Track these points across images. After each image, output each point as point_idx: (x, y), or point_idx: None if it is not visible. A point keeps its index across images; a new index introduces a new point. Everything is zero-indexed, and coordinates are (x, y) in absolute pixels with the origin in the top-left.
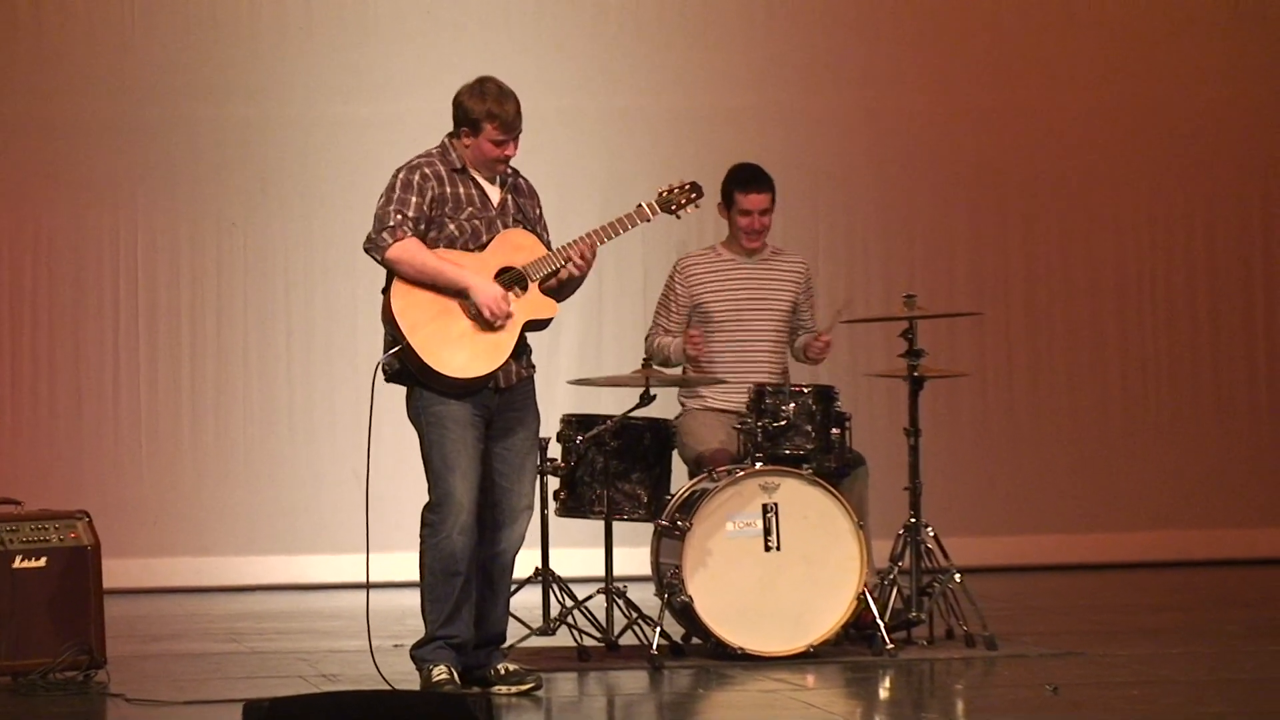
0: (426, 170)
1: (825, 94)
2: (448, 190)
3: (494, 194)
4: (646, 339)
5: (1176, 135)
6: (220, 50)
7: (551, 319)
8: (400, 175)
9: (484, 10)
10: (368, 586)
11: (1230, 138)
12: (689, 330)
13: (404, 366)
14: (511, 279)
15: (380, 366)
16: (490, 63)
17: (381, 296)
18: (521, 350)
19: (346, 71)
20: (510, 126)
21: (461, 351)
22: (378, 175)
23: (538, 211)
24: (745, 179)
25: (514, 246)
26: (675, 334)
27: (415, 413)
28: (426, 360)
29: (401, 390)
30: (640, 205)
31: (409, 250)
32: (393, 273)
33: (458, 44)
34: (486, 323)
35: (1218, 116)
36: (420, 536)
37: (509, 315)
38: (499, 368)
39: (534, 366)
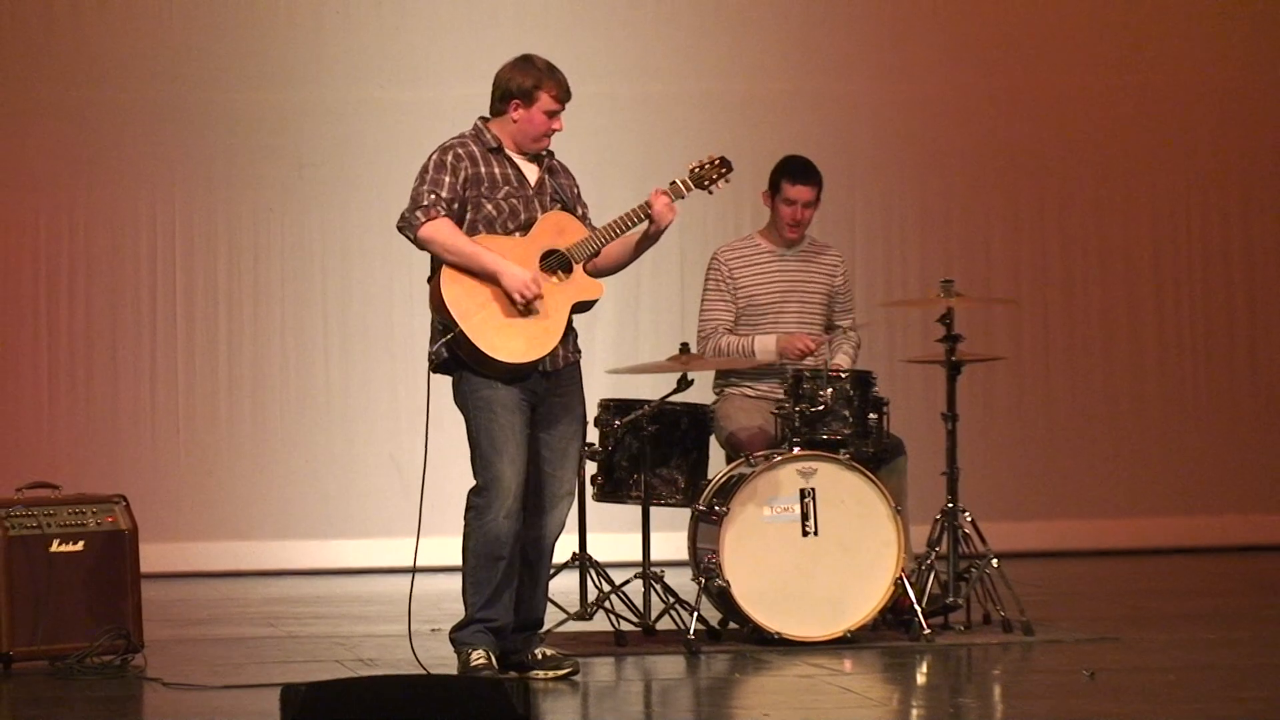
0: (460, 150)
1: (860, 80)
2: (482, 170)
3: (531, 174)
4: (706, 339)
5: (1213, 118)
6: (257, 36)
7: (597, 300)
8: (434, 156)
9: None
10: (414, 570)
11: (1267, 120)
12: (807, 335)
13: (452, 354)
14: (556, 262)
15: (431, 355)
16: (525, 47)
17: (428, 285)
18: (568, 334)
19: (383, 56)
20: (565, 94)
21: (513, 336)
22: (414, 160)
23: (576, 191)
24: (795, 170)
25: (557, 229)
26: (732, 325)
27: (463, 397)
28: (480, 346)
29: (438, 375)
30: (674, 182)
31: (441, 231)
32: (428, 253)
33: (493, 29)
34: (526, 306)
35: (1254, 99)
36: (465, 519)
37: (539, 296)
38: (550, 352)
39: (580, 351)
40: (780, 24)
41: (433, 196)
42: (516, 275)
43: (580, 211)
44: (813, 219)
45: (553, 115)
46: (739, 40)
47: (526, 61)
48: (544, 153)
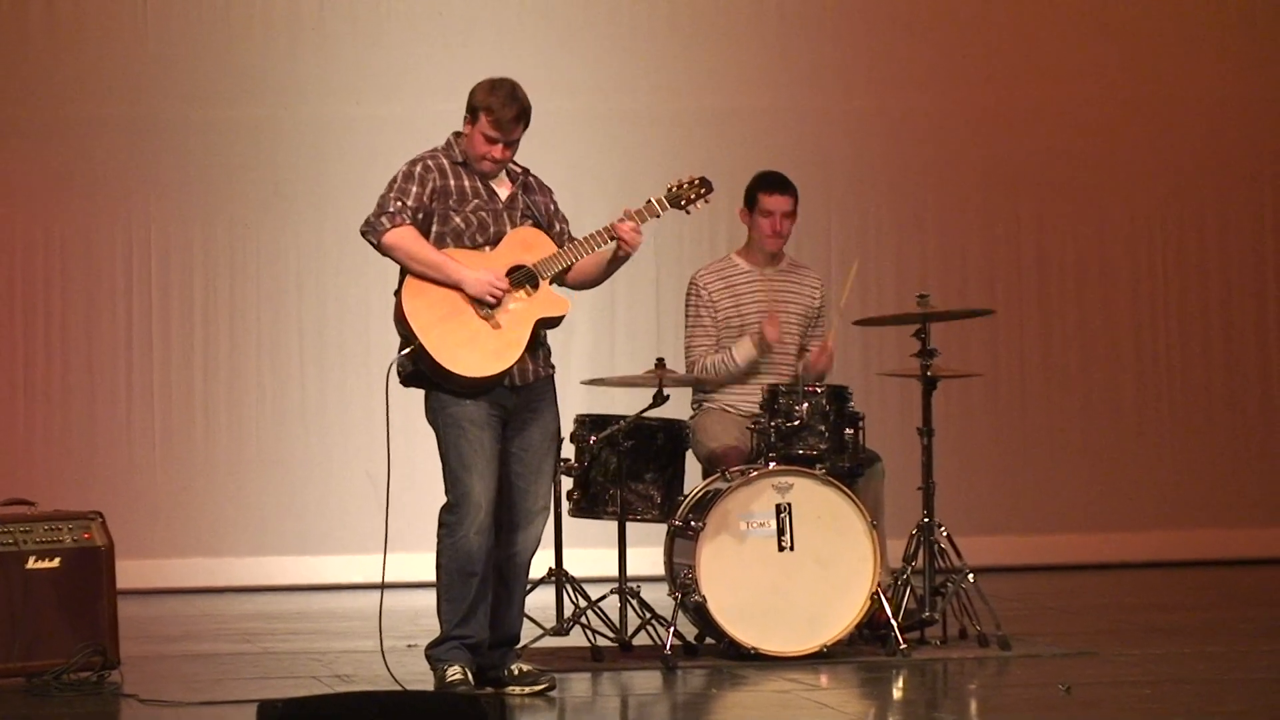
0: (429, 163)
1: (836, 94)
2: (451, 183)
3: (502, 189)
4: (691, 364)
5: (1190, 133)
6: (232, 52)
7: (564, 316)
8: (404, 167)
9: (496, 12)
10: (382, 587)
11: (1243, 136)
12: (761, 323)
13: (418, 368)
14: (522, 277)
15: (394, 368)
16: (502, 64)
17: (394, 299)
18: (537, 348)
19: (359, 73)
20: (501, 127)
21: (474, 350)
22: (390, 176)
23: (553, 206)
24: (771, 181)
25: (524, 244)
26: (720, 348)
27: (433, 414)
28: (439, 360)
29: (414, 392)
30: (649, 201)
31: (405, 238)
32: (390, 260)
33: (469, 46)
34: (494, 318)
35: (1231, 114)
36: (437, 536)
37: (507, 290)
38: (512, 365)
39: (553, 366)
40: (757, 40)
41: (399, 204)
42: (478, 280)
43: (558, 227)
44: (791, 231)
45: (490, 141)
46: (716, 56)
47: (493, 83)
48: (518, 168)
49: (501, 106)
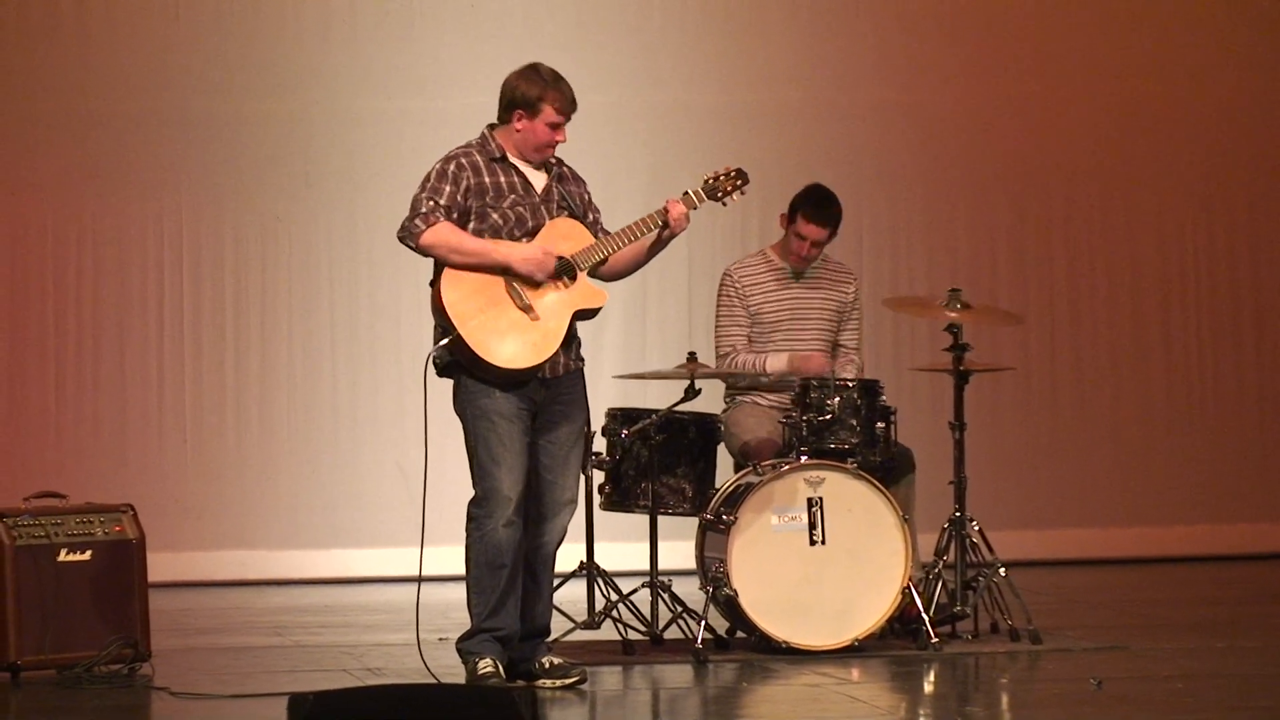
0: (463, 160)
1: (867, 89)
2: (486, 180)
3: (538, 181)
4: (722, 357)
5: (1220, 129)
6: (263, 45)
7: (600, 308)
8: (437, 165)
9: (526, 6)
10: (419, 579)
11: (1275, 131)
12: (814, 356)
13: (454, 358)
14: (560, 269)
15: (431, 359)
16: (532, 57)
17: (430, 289)
18: (570, 341)
19: (390, 66)
20: (569, 106)
21: (512, 342)
22: (420, 169)
23: (587, 196)
24: (814, 206)
25: (561, 235)
26: (749, 344)
27: (461, 405)
28: (477, 351)
29: (444, 384)
30: (686, 193)
31: (442, 234)
32: (432, 259)
33: (500, 39)
34: (532, 310)
35: (1260, 107)
36: (466, 530)
37: (559, 258)
38: (549, 358)
39: (583, 359)
40: (789, 34)
41: (431, 203)
42: (526, 256)
43: (591, 217)
44: (821, 253)
45: (555, 128)
46: (747, 50)
47: (533, 71)
48: (552, 160)
49: (556, 87)
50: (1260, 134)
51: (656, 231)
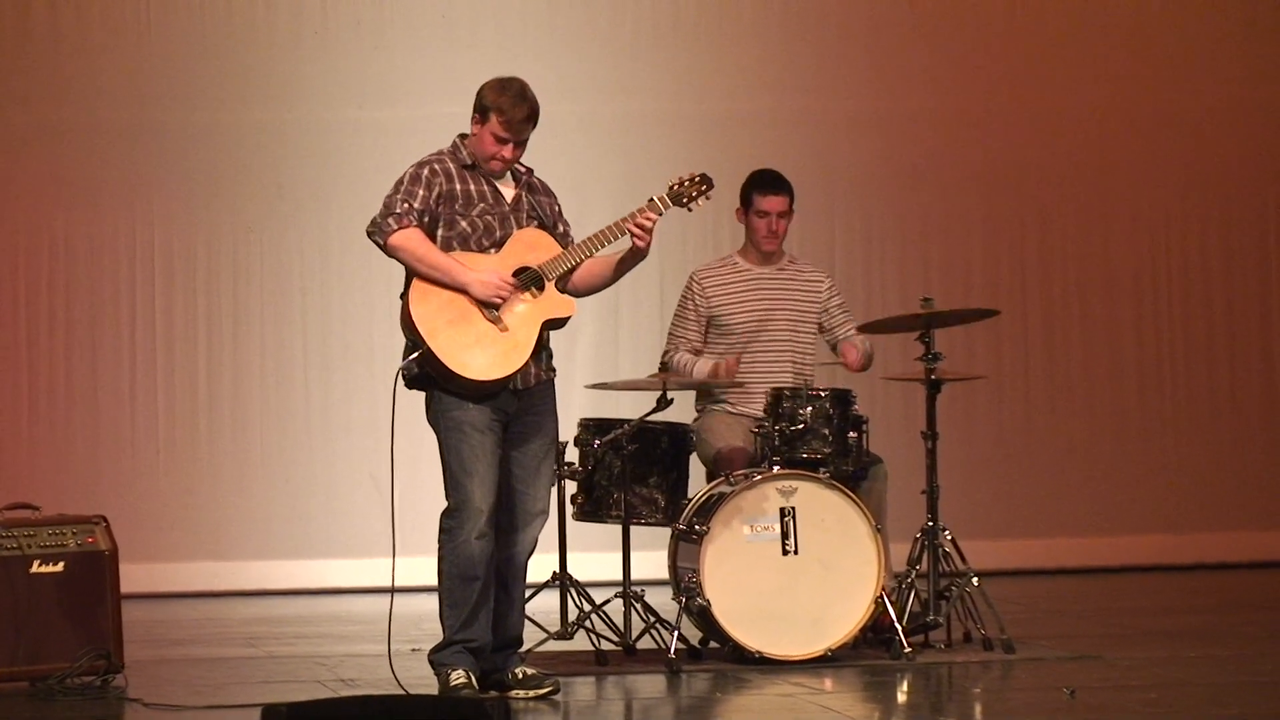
0: (436, 166)
1: (839, 97)
2: (457, 187)
3: (508, 191)
4: (665, 354)
5: (1193, 134)
6: (236, 55)
7: (569, 318)
8: (410, 169)
9: (499, 16)
10: (392, 591)
11: (1247, 137)
12: (727, 359)
13: (424, 371)
14: (528, 279)
15: (400, 372)
16: (505, 68)
17: (400, 302)
18: (540, 351)
19: (362, 76)
20: (512, 128)
21: (482, 354)
22: (393, 180)
23: (556, 208)
24: (764, 182)
25: (529, 246)
26: (696, 347)
27: (434, 416)
28: (447, 364)
29: (417, 395)
30: (651, 199)
31: (411, 240)
32: (403, 268)
33: (473, 49)
34: (501, 321)
35: (1234, 115)
36: (439, 541)
37: (513, 289)
38: (519, 369)
39: (554, 370)
40: (759, 42)
41: (405, 206)
42: (482, 282)
43: (560, 229)
44: (788, 231)
45: (501, 142)
46: (719, 58)
47: (502, 83)
48: (522, 169)
49: (512, 106)
50: (1235, 142)
51: (626, 248)
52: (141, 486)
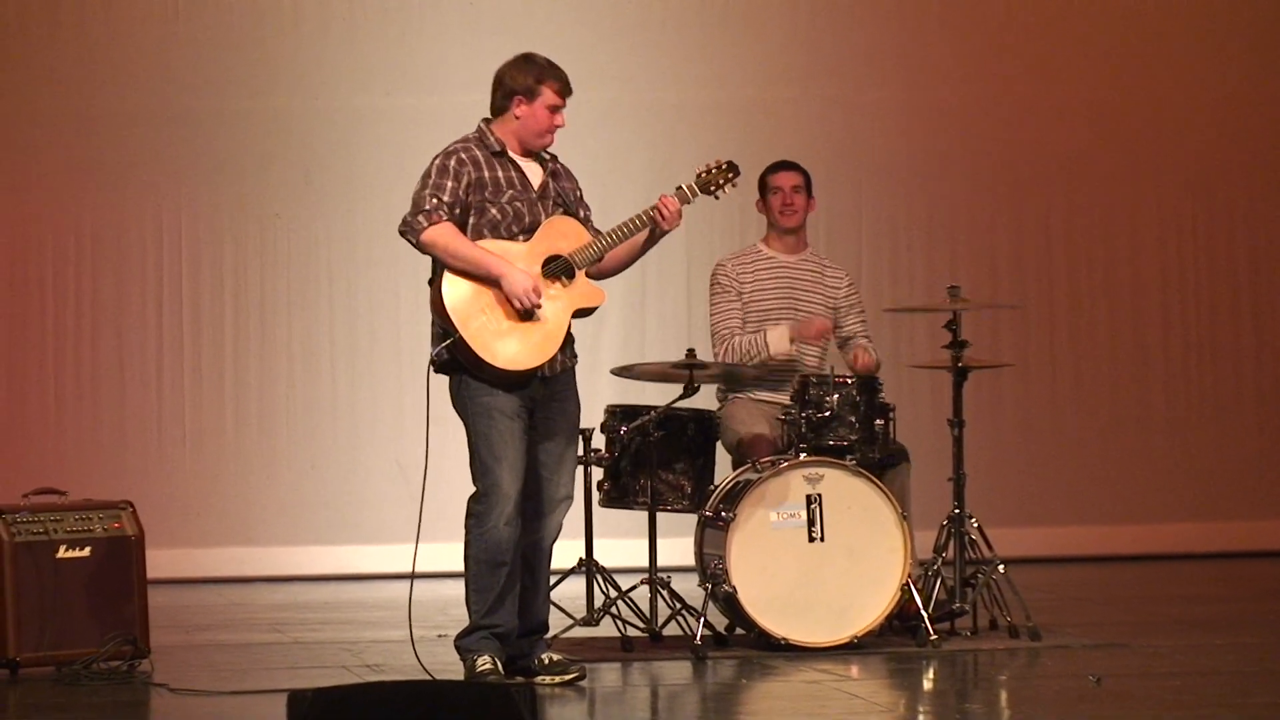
0: (463, 155)
1: (866, 86)
2: (485, 174)
3: (535, 176)
4: (721, 343)
5: (1218, 126)
6: (263, 42)
7: (599, 306)
8: (437, 160)
9: (526, 3)
10: (412, 577)
11: (1272, 129)
12: (816, 319)
13: (453, 357)
14: (558, 268)
15: (431, 360)
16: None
17: (429, 288)
18: (567, 340)
19: (389, 64)
20: (566, 90)
21: (513, 343)
22: (420, 167)
23: (579, 193)
24: (773, 164)
25: (560, 234)
26: (746, 328)
27: (461, 403)
28: (479, 353)
29: (444, 382)
30: (679, 187)
31: (444, 235)
32: (430, 258)
33: (499, 37)
34: (527, 312)
35: (1259, 108)
36: (466, 527)
37: (538, 305)
38: (549, 359)
39: (576, 356)
40: (786, 30)
41: (435, 200)
42: (519, 281)
43: (583, 214)
44: (807, 212)
45: (555, 110)
46: (745, 47)
47: (527, 59)
48: (547, 155)
49: (554, 70)
50: (1258, 131)
51: (649, 229)
52: (168, 472)
